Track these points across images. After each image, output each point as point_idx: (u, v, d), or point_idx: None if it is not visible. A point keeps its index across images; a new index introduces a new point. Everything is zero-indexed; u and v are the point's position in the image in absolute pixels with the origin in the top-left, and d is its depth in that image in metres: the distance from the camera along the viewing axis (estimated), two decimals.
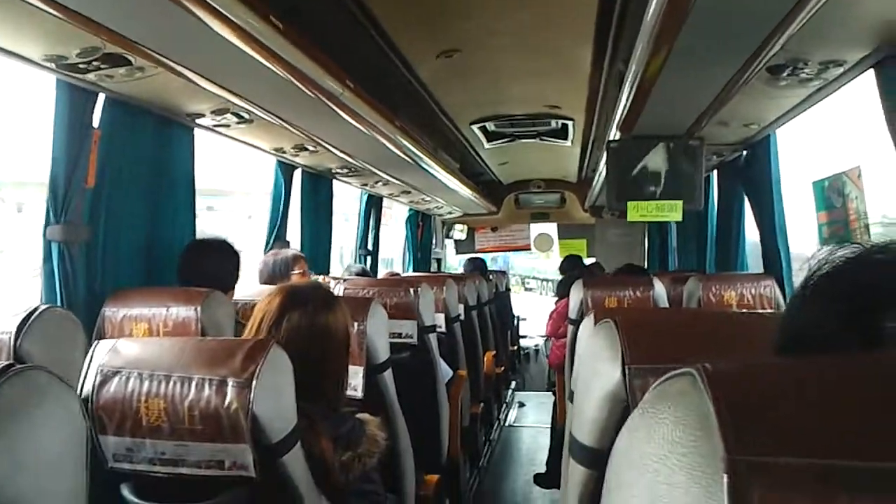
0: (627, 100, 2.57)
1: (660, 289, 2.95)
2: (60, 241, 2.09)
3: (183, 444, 1.31)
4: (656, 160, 3.14)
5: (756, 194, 3.59)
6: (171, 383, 1.30)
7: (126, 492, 1.40)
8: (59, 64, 1.89)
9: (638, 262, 6.87)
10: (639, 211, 3.15)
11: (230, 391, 1.28)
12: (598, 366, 0.96)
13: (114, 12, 1.61)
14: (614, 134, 3.12)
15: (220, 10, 1.61)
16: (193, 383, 1.30)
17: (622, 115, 2.77)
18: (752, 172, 3.56)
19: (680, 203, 3.14)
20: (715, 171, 4.24)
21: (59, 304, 2.10)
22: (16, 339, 1.45)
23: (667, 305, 2.99)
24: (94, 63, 1.86)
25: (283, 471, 1.36)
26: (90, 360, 1.36)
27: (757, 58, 2.02)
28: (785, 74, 2.24)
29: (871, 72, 2.17)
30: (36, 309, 1.50)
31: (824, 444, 0.32)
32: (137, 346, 1.38)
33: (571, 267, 5.86)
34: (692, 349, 0.69)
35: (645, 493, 0.36)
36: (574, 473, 1.00)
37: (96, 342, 1.41)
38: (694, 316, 1.38)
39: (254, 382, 1.29)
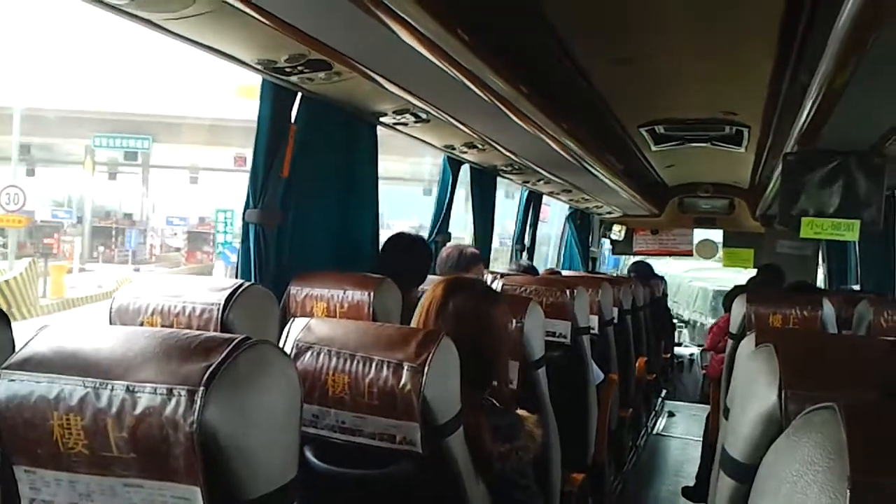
0: (809, 112, 2.49)
1: (829, 310, 2.81)
2: (257, 223, 2.35)
3: (361, 416, 1.47)
4: (834, 176, 3.00)
5: None
6: (355, 361, 1.46)
7: (308, 453, 1.59)
8: (267, 67, 2.12)
9: (809, 278, 6.50)
10: (813, 228, 3.02)
11: (405, 374, 1.43)
12: (755, 387, 1.00)
13: (321, 25, 1.81)
14: (792, 146, 3.01)
15: (413, 24, 1.76)
16: (374, 364, 1.45)
17: (802, 127, 2.67)
18: None
19: (857, 223, 2.98)
20: None
21: (251, 279, 2.35)
22: (223, 310, 1.68)
23: (835, 328, 2.86)
24: (299, 67, 2.08)
25: (446, 450, 1.49)
26: (287, 335, 1.55)
27: None
28: None
29: None
30: (241, 286, 1.73)
31: None
32: (327, 325, 1.56)
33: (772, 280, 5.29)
34: (853, 377, 0.73)
35: (783, 498, 0.43)
36: (723, 486, 1.05)
37: (292, 319, 1.60)
38: (858, 343, 1.36)
39: (426, 368, 1.42)
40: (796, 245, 6.91)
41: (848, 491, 0.39)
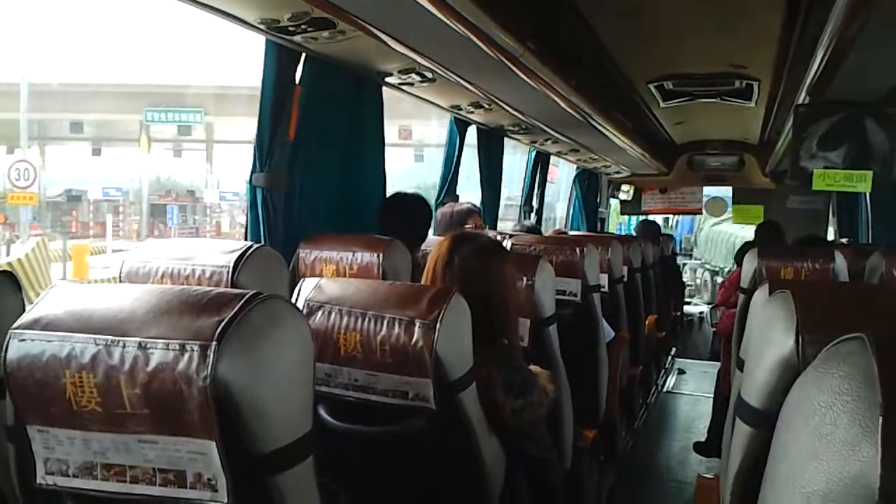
0: (820, 63, 2.45)
1: (840, 262, 2.80)
2: (264, 187, 2.34)
3: (373, 374, 1.47)
4: (847, 128, 2.96)
5: None
6: (367, 320, 1.46)
7: (322, 411, 1.60)
8: (270, 26, 2.09)
9: (821, 233, 6.47)
10: (825, 180, 2.99)
11: (417, 331, 1.43)
12: (772, 334, 0.99)
13: None
14: (803, 98, 2.97)
15: None
16: (385, 321, 1.45)
17: (813, 78, 2.64)
18: None
19: (870, 174, 2.95)
20: None
21: (261, 242, 2.35)
22: (233, 272, 1.68)
23: (846, 280, 2.84)
24: (303, 26, 2.04)
25: (459, 406, 1.49)
26: (297, 294, 1.55)
27: None
28: None
29: None
30: (250, 247, 1.73)
31: None
32: (338, 285, 1.56)
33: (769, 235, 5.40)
34: (865, 324, 0.72)
35: (813, 432, 0.43)
36: (740, 433, 1.04)
37: (302, 279, 1.60)
38: (872, 292, 1.35)
39: (437, 325, 1.42)
40: (807, 199, 6.87)
41: (881, 418, 0.38)
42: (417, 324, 1.43)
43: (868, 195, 5.25)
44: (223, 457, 0.91)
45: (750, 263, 2.96)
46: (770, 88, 4.28)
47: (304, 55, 2.37)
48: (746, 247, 4.37)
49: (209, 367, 0.89)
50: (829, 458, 0.40)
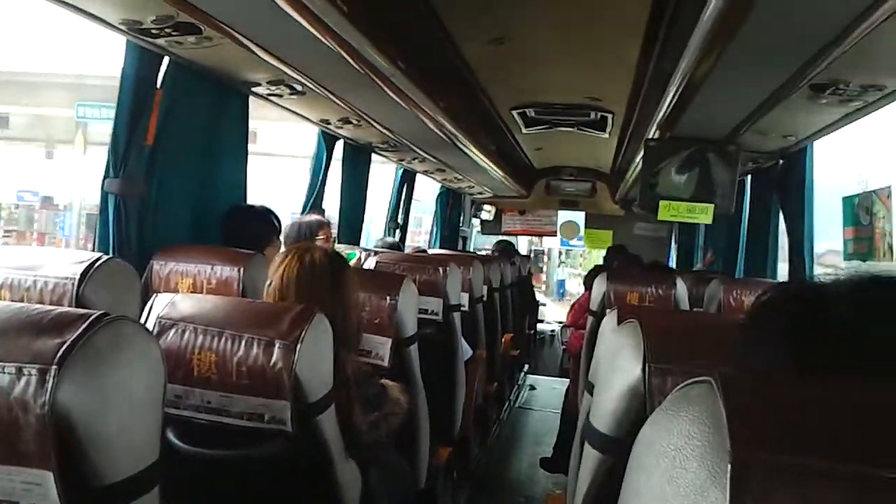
0: (671, 101, 2.62)
1: (682, 289, 3.01)
2: (117, 193, 2.21)
3: (228, 395, 1.42)
4: (692, 162, 3.20)
5: (788, 203, 3.63)
6: (223, 339, 1.41)
7: (170, 434, 1.52)
8: (132, 27, 1.99)
9: (663, 258, 6.95)
10: (670, 211, 3.21)
11: (276, 351, 1.39)
12: (620, 362, 1.05)
13: None
14: (653, 133, 3.18)
15: None
16: (243, 341, 1.40)
17: (664, 115, 2.82)
18: (787, 182, 3.60)
19: (712, 207, 3.19)
20: (749, 177, 4.27)
21: (111, 253, 2.21)
22: (79, 285, 1.57)
23: (687, 306, 3.06)
24: (167, 30, 1.96)
25: (317, 428, 1.47)
26: (149, 311, 1.47)
27: (802, 75, 2.07)
28: (827, 93, 2.29)
29: None
30: (98, 258, 1.61)
31: (811, 447, 0.41)
32: (193, 301, 1.49)
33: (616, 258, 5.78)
34: (708, 353, 0.78)
35: (662, 474, 0.45)
36: (588, 458, 1.09)
37: (155, 295, 1.52)
38: (713, 321, 1.46)
39: (298, 345, 1.39)
40: (652, 227, 7.35)
41: (729, 465, 0.40)
42: (277, 344, 1.40)
43: (703, 226, 5.70)
44: (60, 488, 0.84)
45: (599, 287, 3.13)
46: (623, 121, 4.54)
47: (167, 58, 2.26)
48: (596, 271, 4.59)
49: (48, 393, 0.82)
50: (678, 502, 0.43)
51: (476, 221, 8.44)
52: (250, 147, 2.84)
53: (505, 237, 8.14)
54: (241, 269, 2.10)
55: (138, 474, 0.91)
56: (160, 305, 1.47)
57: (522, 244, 11.69)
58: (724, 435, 0.42)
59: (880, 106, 2.39)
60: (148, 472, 0.93)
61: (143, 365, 0.92)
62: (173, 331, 1.43)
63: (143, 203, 2.29)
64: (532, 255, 13.90)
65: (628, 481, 0.50)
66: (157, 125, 2.26)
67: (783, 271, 3.96)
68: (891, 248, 2.65)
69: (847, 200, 2.97)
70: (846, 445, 0.41)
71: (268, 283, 1.79)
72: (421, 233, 8.97)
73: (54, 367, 0.83)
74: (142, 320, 1.47)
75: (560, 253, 11.58)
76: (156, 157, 2.31)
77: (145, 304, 1.53)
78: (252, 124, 2.84)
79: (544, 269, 13.60)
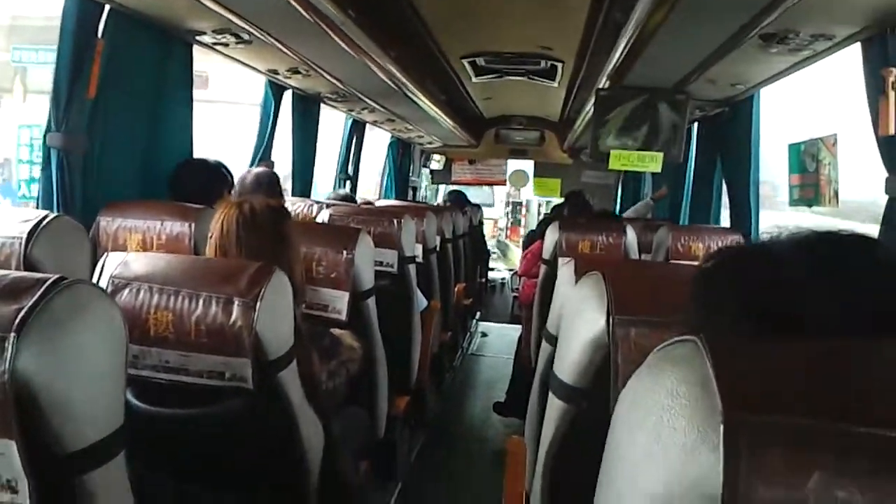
0: (623, 50, 2.63)
1: (631, 236, 3.07)
2: (60, 148, 2.12)
3: (187, 354, 1.40)
4: (641, 111, 3.22)
5: (733, 151, 3.69)
6: (180, 298, 1.38)
7: (129, 395, 1.50)
8: None
9: (611, 205, 7.06)
10: (620, 160, 3.24)
11: (236, 309, 1.37)
12: (584, 314, 1.07)
13: None
14: (604, 82, 3.18)
15: None
16: (201, 300, 1.38)
17: (615, 65, 2.83)
18: (733, 129, 3.66)
19: (661, 155, 3.23)
20: (695, 125, 4.33)
21: (55, 210, 2.14)
22: (26, 245, 1.52)
23: (637, 252, 3.13)
24: None
25: (278, 385, 1.47)
26: (101, 270, 1.43)
27: (753, 24, 2.09)
28: (776, 42, 2.31)
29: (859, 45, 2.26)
30: (45, 217, 1.56)
31: (800, 408, 0.42)
32: (147, 260, 1.46)
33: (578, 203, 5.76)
34: (670, 303, 0.80)
35: (649, 432, 0.45)
36: (553, 407, 1.12)
37: (106, 254, 1.48)
38: (672, 272, 1.49)
39: (258, 303, 1.38)
40: (600, 175, 7.42)
41: (721, 426, 0.41)
42: (237, 302, 1.38)
43: (649, 174, 5.78)
44: (24, 457, 0.83)
45: (552, 236, 3.17)
46: (573, 70, 4.53)
47: (107, 7, 2.16)
48: (548, 221, 4.63)
49: (7, 362, 0.80)
50: (666, 461, 0.43)
51: (426, 171, 8.40)
52: (201, 94, 2.75)
53: (455, 187, 8.14)
54: (192, 225, 2.05)
55: (103, 440, 0.90)
56: (112, 265, 1.43)
57: (499, 195, 11.69)
58: (712, 395, 0.43)
59: (829, 54, 2.43)
60: (113, 437, 0.92)
61: (104, 329, 0.90)
62: (127, 290, 1.40)
63: (86, 158, 2.21)
64: (510, 207, 13.81)
65: (612, 440, 0.51)
66: (99, 77, 2.17)
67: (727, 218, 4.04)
68: (836, 193, 2.72)
69: (793, 147, 3.03)
70: (829, 405, 0.42)
71: (209, 235, 1.75)
72: None
73: (13, 334, 0.81)
74: (94, 279, 1.43)
75: (539, 205, 11.52)
76: (98, 110, 2.22)
77: (94, 262, 1.49)
78: (203, 67, 2.73)
79: (522, 221, 13.37)
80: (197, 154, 2.76)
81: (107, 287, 1.40)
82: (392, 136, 6.95)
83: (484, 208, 11.64)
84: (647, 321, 1.00)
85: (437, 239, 4.10)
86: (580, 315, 1.07)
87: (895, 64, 2.08)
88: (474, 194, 11.40)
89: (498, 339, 6.87)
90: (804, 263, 0.65)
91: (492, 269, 8.79)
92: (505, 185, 9.16)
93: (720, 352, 0.46)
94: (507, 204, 13.77)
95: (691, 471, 0.42)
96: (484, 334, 7.09)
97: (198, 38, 2.57)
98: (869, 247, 0.67)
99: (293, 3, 2.09)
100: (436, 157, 8.10)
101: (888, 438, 0.40)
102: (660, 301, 1.02)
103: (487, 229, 11.15)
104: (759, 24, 2.05)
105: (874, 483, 0.39)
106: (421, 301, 3.34)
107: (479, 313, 7.53)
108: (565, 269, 1.58)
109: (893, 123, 2.11)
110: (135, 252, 1.63)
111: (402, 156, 7.36)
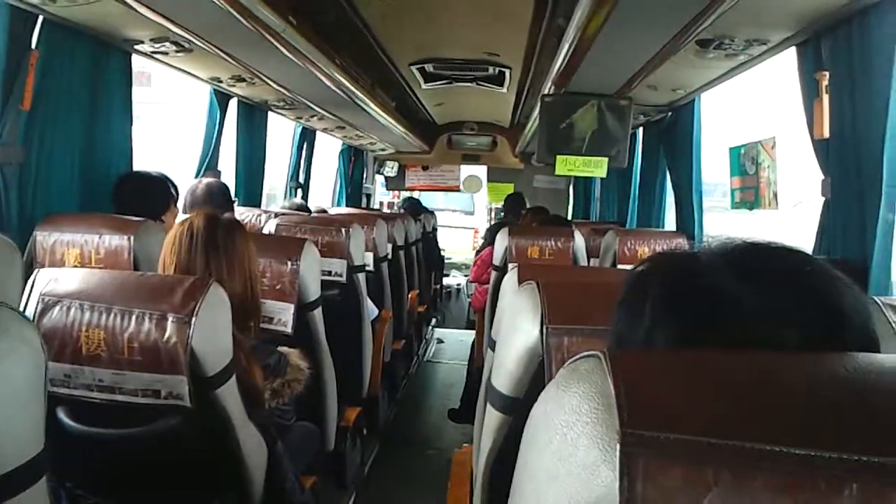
0: (565, 56, 2.65)
1: (579, 241, 3.10)
2: None
3: (121, 372, 1.37)
4: (586, 117, 3.25)
5: (676, 155, 3.76)
6: (112, 315, 1.35)
7: (62, 415, 1.46)
8: None
9: (563, 209, 7.13)
10: (567, 165, 3.27)
11: (170, 326, 1.34)
12: (519, 323, 1.07)
13: None
14: (549, 88, 3.21)
15: None
16: (134, 316, 1.35)
17: (558, 70, 2.85)
18: (675, 134, 3.73)
19: (605, 160, 3.27)
20: (640, 130, 4.40)
21: None
22: None
23: (585, 257, 3.16)
24: None
25: (216, 401, 1.44)
26: (31, 288, 1.39)
27: (689, 30, 2.12)
28: (712, 48, 2.37)
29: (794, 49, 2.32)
30: None
31: (698, 425, 0.41)
32: (79, 276, 1.42)
33: (514, 205, 5.87)
34: (605, 310, 0.80)
35: (554, 450, 0.44)
36: (490, 418, 1.12)
37: (37, 270, 1.44)
38: (610, 277, 1.51)
39: (193, 319, 1.35)
40: (551, 180, 7.48)
41: (618, 444, 0.40)
42: (170, 318, 1.35)
43: (598, 178, 5.86)
44: None
45: (501, 242, 3.18)
46: (520, 76, 4.58)
47: (41, 18, 2.10)
48: (498, 226, 4.65)
49: None
50: (569, 480, 0.42)
51: (380, 178, 8.37)
52: (144, 93, 2.68)
53: (410, 193, 8.13)
54: (131, 238, 2.00)
55: (21, 467, 0.87)
56: (43, 282, 1.39)
57: (479, 203, 11.63)
58: (612, 412, 0.42)
59: (765, 59, 2.49)
60: (32, 463, 0.88)
61: (21, 354, 0.87)
62: (58, 308, 1.36)
63: (22, 170, 2.14)
64: (492, 213, 13.72)
65: (521, 458, 0.50)
66: (34, 88, 2.11)
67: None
68: (775, 196, 2.77)
69: (734, 151, 3.09)
70: (732, 422, 0.41)
71: (163, 252, 1.73)
72: None
73: None
74: (23, 297, 1.39)
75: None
76: (34, 121, 2.16)
77: (28, 279, 1.44)
78: (145, 64, 2.67)
79: None
80: (139, 162, 2.71)
81: (36, 305, 1.36)
82: (343, 143, 6.91)
83: (464, 216, 11.68)
84: (581, 330, 1.01)
85: (389, 246, 4.09)
86: (515, 325, 1.07)
87: (829, 67, 2.14)
88: (455, 201, 11.41)
89: (454, 345, 6.87)
90: (729, 272, 0.65)
91: (447, 275, 8.80)
92: (459, 190, 9.17)
93: (623, 367, 0.45)
94: (490, 211, 13.77)
95: (594, 490, 0.41)
96: (440, 340, 7.08)
97: (136, 47, 2.52)
98: (798, 258, 0.67)
99: (232, 10, 2.06)
100: (389, 163, 8.08)
101: (789, 455, 0.40)
102: (596, 309, 1.03)
103: (468, 240, 11.17)
104: (694, 29, 2.08)
105: (773, 501, 0.39)
106: (371, 310, 3.32)
107: (435, 320, 7.52)
108: (509, 276, 1.58)
109: (828, 126, 2.16)
110: (68, 268, 1.58)
111: (353, 163, 7.32)
